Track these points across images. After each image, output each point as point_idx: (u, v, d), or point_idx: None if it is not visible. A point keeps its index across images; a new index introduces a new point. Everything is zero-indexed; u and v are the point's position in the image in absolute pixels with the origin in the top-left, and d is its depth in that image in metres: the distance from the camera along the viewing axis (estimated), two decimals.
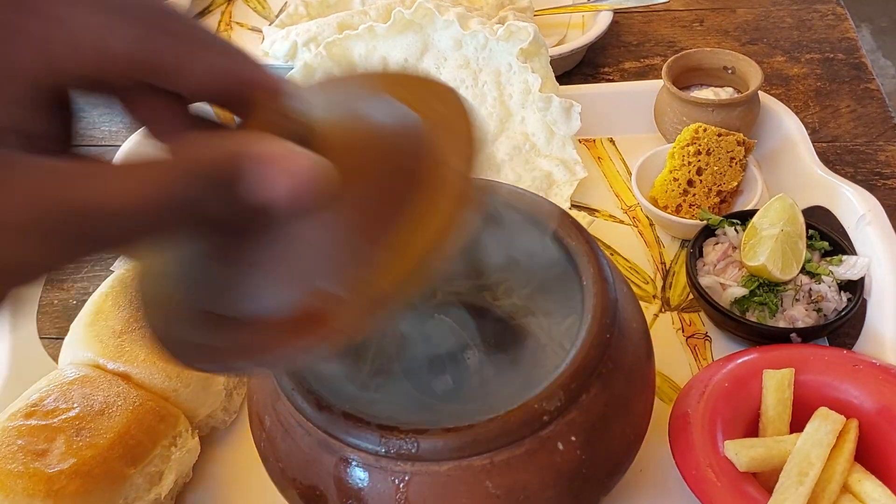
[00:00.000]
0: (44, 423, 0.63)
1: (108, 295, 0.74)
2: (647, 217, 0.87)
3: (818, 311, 0.70)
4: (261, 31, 1.21)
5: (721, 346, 0.74)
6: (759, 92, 0.88)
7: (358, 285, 0.38)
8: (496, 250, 0.69)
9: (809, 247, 0.73)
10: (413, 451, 0.50)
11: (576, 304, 0.68)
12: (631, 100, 0.97)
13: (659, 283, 0.81)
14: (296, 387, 0.54)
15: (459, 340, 0.64)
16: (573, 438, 0.52)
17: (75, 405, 0.64)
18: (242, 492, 0.69)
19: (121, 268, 0.76)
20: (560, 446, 0.52)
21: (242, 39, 1.23)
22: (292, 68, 0.98)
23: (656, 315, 0.78)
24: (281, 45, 1.05)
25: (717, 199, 0.81)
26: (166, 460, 0.65)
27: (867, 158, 0.91)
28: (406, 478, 0.51)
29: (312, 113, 0.40)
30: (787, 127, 0.88)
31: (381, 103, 0.46)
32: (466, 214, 0.38)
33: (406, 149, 0.42)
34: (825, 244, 0.73)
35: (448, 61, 0.95)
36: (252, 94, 0.38)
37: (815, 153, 0.84)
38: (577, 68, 1.10)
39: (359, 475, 0.52)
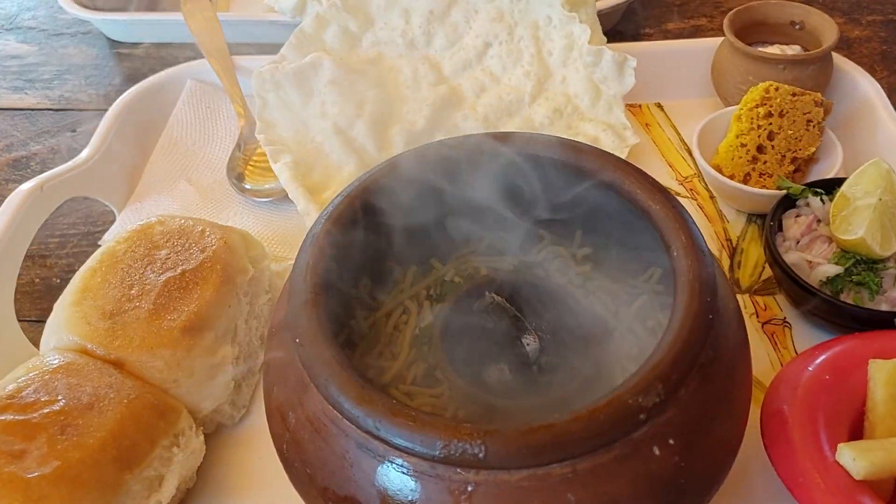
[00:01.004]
0: (21, 418, 0.53)
1: (96, 270, 0.64)
2: (709, 189, 0.77)
3: None
4: None
5: (803, 333, 0.65)
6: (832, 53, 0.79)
7: None
8: (550, 213, 0.60)
9: None
10: (480, 455, 0.40)
11: (645, 281, 0.59)
12: (682, 60, 0.87)
13: (726, 263, 0.71)
14: (331, 376, 0.44)
15: (514, 322, 0.55)
16: (671, 442, 0.43)
17: (59, 398, 0.54)
18: (253, 498, 0.59)
19: (110, 241, 0.66)
20: (656, 451, 0.42)
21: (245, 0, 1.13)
22: (299, 23, 0.88)
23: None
24: None
25: (791, 168, 0.72)
26: (167, 463, 0.55)
27: None
28: (469, 489, 0.41)
29: None
30: (863, 89, 0.79)
31: None
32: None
33: None
34: None
35: (479, 14, 0.85)
36: None
37: None
38: (614, 29, 1.00)
39: (409, 485, 0.42)
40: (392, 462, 0.42)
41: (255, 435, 0.63)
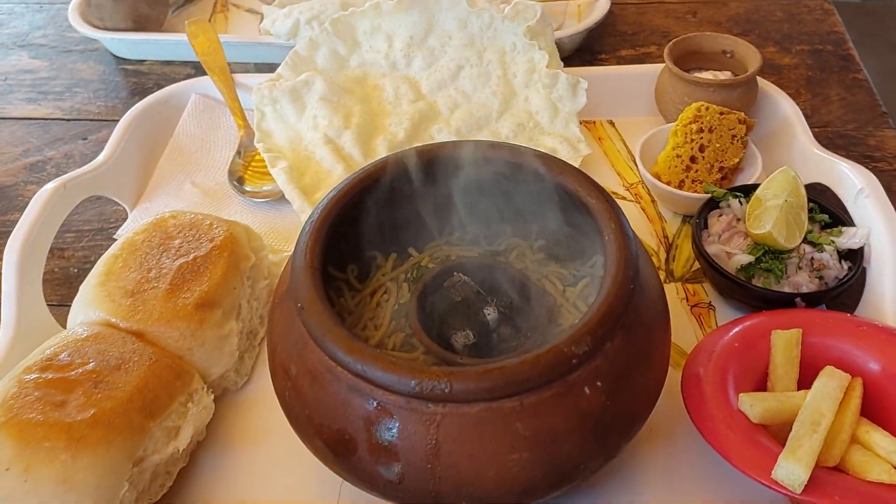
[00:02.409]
0: (60, 376, 0.62)
1: (118, 257, 0.73)
2: (650, 193, 0.89)
3: (820, 278, 0.72)
4: (257, 13, 1.21)
5: (724, 314, 0.77)
6: (756, 77, 0.91)
7: None
8: (512, 210, 0.70)
9: (810, 219, 0.75)
10: (446, 390, 0.51)
11: (589, 267, 0.70)
12: (631, 83, 0.99)
13: (663, 256, 0.83)
14: (327, 332, 0.54)
15: (477, 297, 0.65)
16: (599, 384, 0.54)
17: (91, 360, 0.64)
18: (254, 450, 0.69)
19: (128, 233, 0.76)
20: (586, 391, 0.53)
21: (239, 21, 1.23)
22: (293, 46, 0.99)
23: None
24: (283, 23, 1.06)
25: (718, 175, 0.84)
26: (183, 416, 0.65)
27: (858, 142, 0.95)
28: (437, 418, 0.52)
29: None
30: (783, 110, 0.91)
31: None
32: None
33: None
34: (825, 217, 0.76)
35: (453, 40, 0.97)
36: None
37: (811, 134, 0.87)
38: (574, 55, 1.12)
39: (390, 418, 0.52)
40: (376, 399, 0.53)
41: (256, 399, 0.72)
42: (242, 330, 0.73)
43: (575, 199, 0.64)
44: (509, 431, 0.52)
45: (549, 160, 0.66)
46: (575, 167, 0.66)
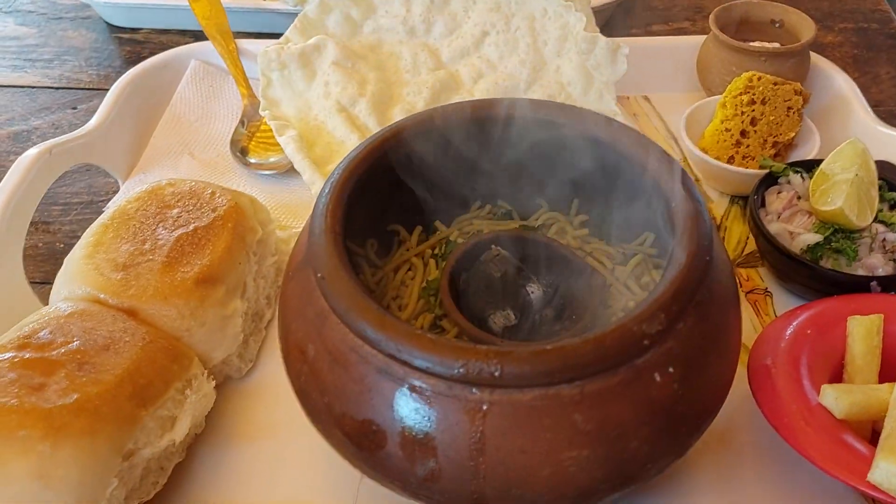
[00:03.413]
0: (40, 355, 0.54)
1: (108, 227, 0.65)
2: (694, 172, 0.81)
3: (894, 260, 0.65)
4: None
5: (782, 301, 0.69)
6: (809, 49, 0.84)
7: None
8: (553, 179, 0.63)
9: (879, 198, 0.68)
10: (496, 374, 0.43)
11: (639, 244, 0.62)
12: (667, 55, 0.92)
13: None
14: (352, 305, 0.46)
15: (518, 273, 0.58)
16: (671, 370, 0.46)
17: (75, 339, 0.56)
18: (258, 446, 0.60)
19: (120, 201, 0.68)
20: (657, 377, 0.45)
21: None
22: (300, 12, 0.91)
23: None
24: None
25: (772, 151, 0.76)
26: (180, 405, 0.57)
27: None
28: (484, 407, 0.44)
29: None
30: (837, 84, 0.84)
31: None
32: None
33: None
34: (895, 195, 0.68)
35: (477, 4, 0.89)
36: None
37: (870, 109, 0.79)
38: (603, 30, 1.04)
39: (427, 406, 0.44)
40: (411, 384, 0.44)
41: (261, 388, 0.64)
42: (248, 310, 0.65)
43: (630, 161, 0.56)
44: (567, 423, 0.44)
45: (602, 120, 0.58)
46: (632, 127, 0.58)
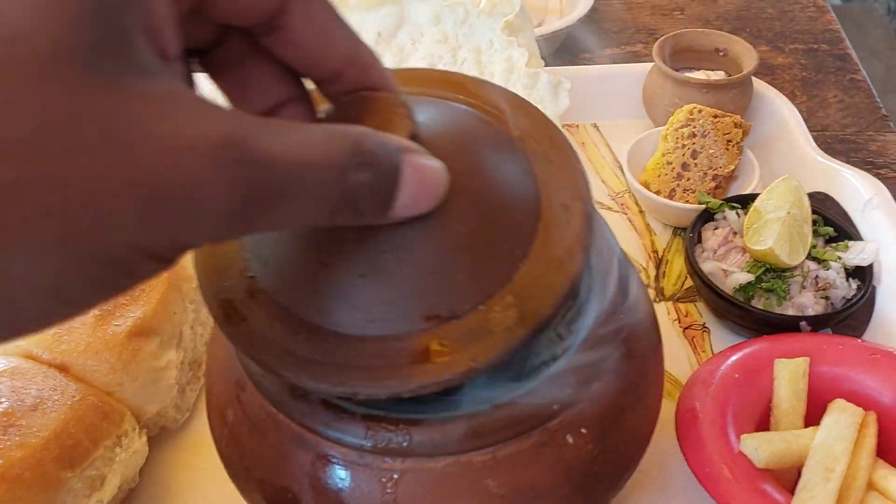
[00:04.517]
0: None
1: None
2: (638, 204, 0.82)
3: (825, 298, 0.65)
4: None
5: (720, 337, 0.70)
6: (752, 78, 0.84)
7: (476, 315, 0.38)
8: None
9: (814, 232, 0.68)
10: (405, 444, 0.43)
11: None
12: (616, 83, 0.92)
13: (652, 272, 0.76)
14: (266, 373, 0.46)
15: None
16: (584, 431, 0.46)
17: (3, 400, 0.56)
18: (195, 499, 0.61)
19: None
20: (570, 440, 0.46)
21: None
22: None
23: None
24: None
25: (712, 184, 0.77)
26: (109, 462, 0.57)
27: (859, 148, 0.88)
28: (395, 476, 0.44)
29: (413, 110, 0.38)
30: (781, 113, 0.84)
31: (466, 115, 0.45)
32: (583, 257, 0.40)
33: (513, 174, 0.42)
34: (829, 230, 0.69)
35: (424, 36, 0.89)
36: (345, 71, 0.36)
37: (811, 139, 0.80)
38: (555, 54, 1.05)
39: (340, 474, 0.45)
40: (324, 453, 0.45)
41: (198, 438, 0.64)
42: (184, 360, 0.65)
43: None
44: (480, 489, 0.44)
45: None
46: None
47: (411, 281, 0.38)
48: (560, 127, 0.83)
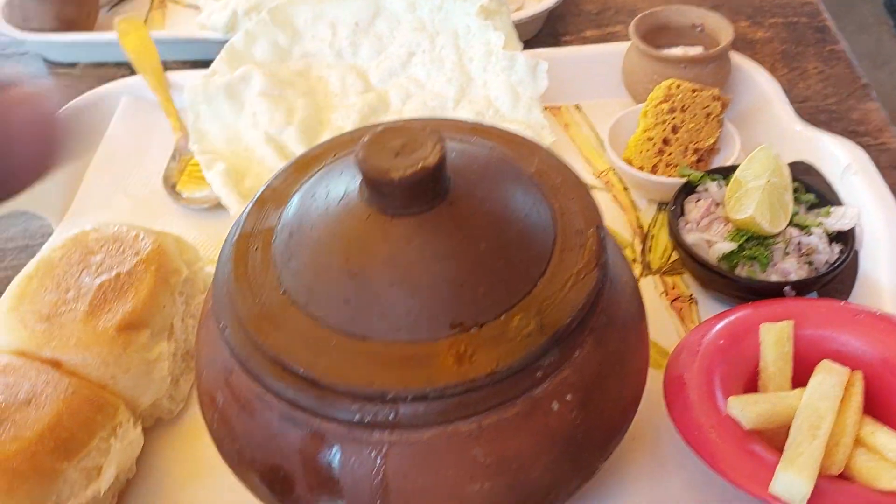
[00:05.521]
0: None
1: (32, 277, 0.66)
2: (622, 181, 0.82)
3: (809, 264, 0.66)
4: (198, 8, 1.13)
5: (707, 307, 0.70)
6: (730, 52, 0.85)
7: (498, 324, 0.43)
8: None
9: (795, 200, 0.69)
10: (391, 417, 0.44)
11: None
12: (596, 63, 0.93)
13: (638, 247, 0.76)
14: (252, 354, 0.47)
15: None
16: (568, 398, 0.47)
17: None
18: (193, 487, 0.61)
19: (45, 250, 0.68)
20: (555, 407, 0.46)
21: (178, 17, 1.16)
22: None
23: (637, 280, 0.73)
24: (219, 15, 0.98)
25: (694, 158, 0.77)
26: (105, 453, 0.57)
27: (840, 117, 0.89)
28: (384, 449, 0.44)
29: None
30: (760, 85, 0.85)
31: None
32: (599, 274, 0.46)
33: (531, 203, 0.48)
34: (811, 197, 0.70)
35: (402, 24, 0.90)
36: None
37: (792, 109, 0.81)
38: (536, 38, 1.05)
39: (329, 450, 0.45)
40: (314, 430, 0.45)
41: (194, 427, 0.65)
42: (176, 351, 0.66)
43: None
44: (468, 458, 0.45)
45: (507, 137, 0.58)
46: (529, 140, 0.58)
47: (438, 292, 0.43)
48: (541, 108, 0.84)
